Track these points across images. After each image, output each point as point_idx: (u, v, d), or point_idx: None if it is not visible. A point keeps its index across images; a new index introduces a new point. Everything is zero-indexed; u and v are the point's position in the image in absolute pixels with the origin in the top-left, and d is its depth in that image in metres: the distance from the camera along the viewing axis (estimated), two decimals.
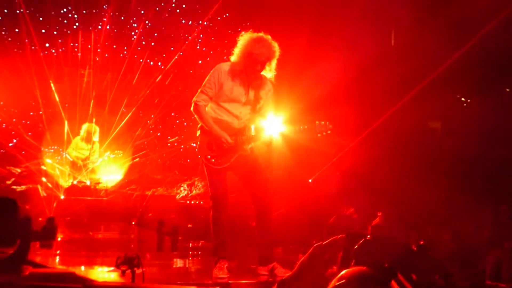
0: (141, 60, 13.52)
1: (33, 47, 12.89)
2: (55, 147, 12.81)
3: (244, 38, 4.52)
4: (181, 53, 13.44)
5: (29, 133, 13.32)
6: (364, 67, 11.64)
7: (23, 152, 12.79)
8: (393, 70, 11.53)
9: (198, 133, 4.69)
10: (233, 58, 4.56)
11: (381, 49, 12.12)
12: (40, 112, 13.23)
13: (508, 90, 11.76)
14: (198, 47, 14.66)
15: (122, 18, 14.03)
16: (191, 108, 4.60)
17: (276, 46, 4.48)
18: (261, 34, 4.50)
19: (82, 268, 5.11)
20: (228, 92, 4.52)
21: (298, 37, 11.79)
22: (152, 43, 14.38)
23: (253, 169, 4.66)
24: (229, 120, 4.60)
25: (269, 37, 4.49)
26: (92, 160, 11.05)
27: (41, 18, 13.43)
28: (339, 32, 11.38)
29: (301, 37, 11.92)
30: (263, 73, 4.55)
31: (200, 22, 13.62)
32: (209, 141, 4.58)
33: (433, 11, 11.11)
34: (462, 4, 9.28)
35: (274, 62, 4.53)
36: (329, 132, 4.52)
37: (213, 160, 4.58)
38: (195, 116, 4.62)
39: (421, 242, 2.12)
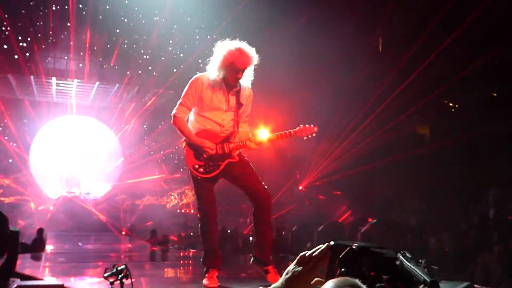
0: None
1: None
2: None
3: (223, 48, 4.43)
4: None
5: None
6: (352, 74, 11.76)
7: (10, 161, 12.70)
8: (381, 77, 11.65)
9: (184, 144, 4.66)
10: (210, 67, 4.51)
11: (369, 54, 12.25)
12: None
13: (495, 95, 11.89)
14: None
15: None
16: (171, 121, 4.58)
17: (254, 52, 4.46)
18: (238, 42, 4.45)
19: (72, 280, 5.04)
20: (209, 102, 4.51)
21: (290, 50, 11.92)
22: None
23: (245, 170, 4.62)
24: (213, 129, 4.58)
25: (246, 44, 4.45)
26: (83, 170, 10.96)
27: None
28: (328, 43, 11.47)
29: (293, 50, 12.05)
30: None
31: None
32: (196, 150, 4.56)
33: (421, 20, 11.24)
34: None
35: (251, 68, 4.52)
36: (314, 135, 4.53)
37: (201, 169, 4.56)
38: (176, 128, 4.59)
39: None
